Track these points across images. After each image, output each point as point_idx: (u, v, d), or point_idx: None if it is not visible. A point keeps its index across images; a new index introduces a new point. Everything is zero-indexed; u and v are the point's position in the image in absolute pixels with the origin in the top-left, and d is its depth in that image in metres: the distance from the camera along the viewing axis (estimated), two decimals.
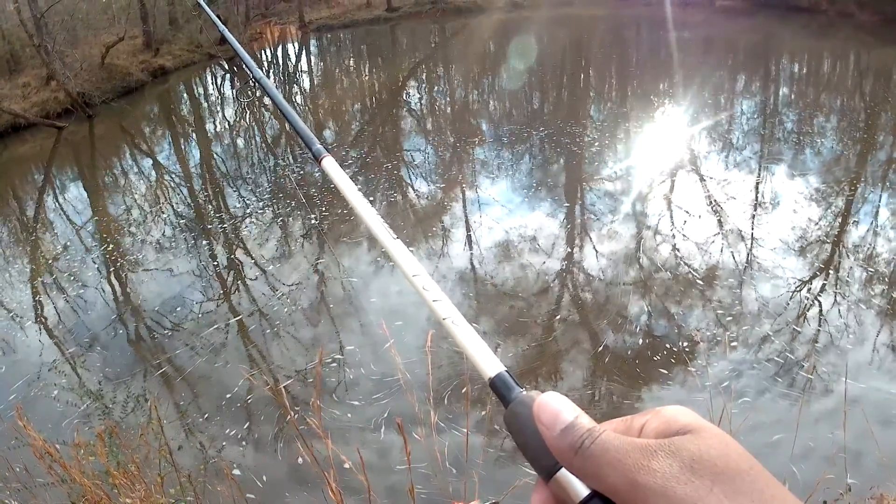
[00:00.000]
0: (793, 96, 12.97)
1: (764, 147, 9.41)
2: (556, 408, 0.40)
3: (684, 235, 6.66)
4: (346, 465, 2.42)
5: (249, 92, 17.51)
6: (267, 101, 15.41)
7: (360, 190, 0.63)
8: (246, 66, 0.88)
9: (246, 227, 8.08)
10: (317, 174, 9.52)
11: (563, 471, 0.38)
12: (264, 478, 3.93)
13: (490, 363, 0.45)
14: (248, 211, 8.60)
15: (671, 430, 0.37)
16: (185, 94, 19.41)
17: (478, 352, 0.46)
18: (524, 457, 0.41)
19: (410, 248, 0.55)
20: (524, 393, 0.43)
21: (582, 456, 0.37)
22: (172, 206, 9.39)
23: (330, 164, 0.67)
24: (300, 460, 3.89)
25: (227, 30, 0.99)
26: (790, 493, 0.34)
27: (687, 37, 19.46)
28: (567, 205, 7.72)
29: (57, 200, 10.66)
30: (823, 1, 20.09)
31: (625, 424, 0.40)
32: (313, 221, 7.92)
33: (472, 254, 6.73)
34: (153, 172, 11.49)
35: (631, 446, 0.36)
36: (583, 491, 0.38)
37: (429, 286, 0.51)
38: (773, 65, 15.97)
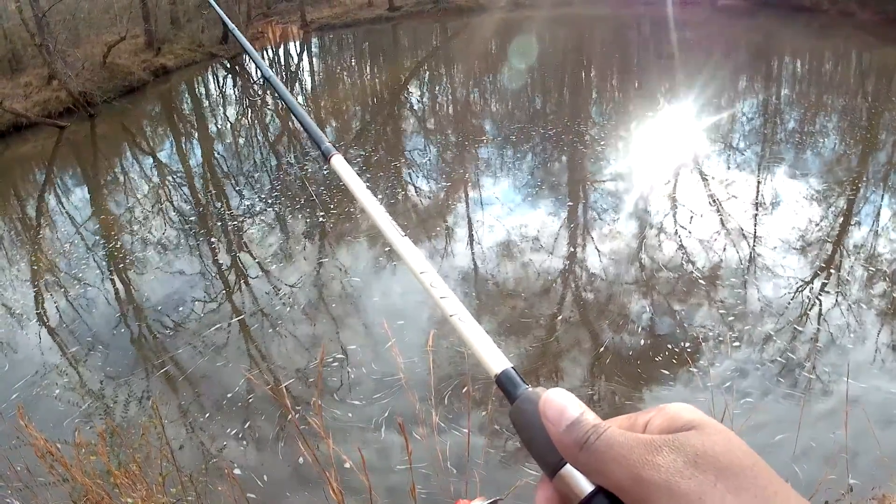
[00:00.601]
0: (794, 96, 12.95)
1: (766, 147, 9.40)
2: (561, 403, 0.40)
3: (686, 234, 6.66)
4: (347, 465, 2.42)
5: (251, 91, 17.52)
6: (270, 100, 15.44)
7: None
8: (256, 64, 0.88)
9: (248, 226, 8.09)
10: (319, 173, 9.53)
11: (568, 467, 0.38)
12: (265, 477, 3.93)
13: (496, 360, 0.45)
14: (250, 210, 8.60)
15: (675, 427, 0.37)
16: (186, 94, 19.43)
17: (484, 348, 0.46)
18: (529, 452, 0.41)
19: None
20: (530, 389, 0.43)
21: (587, 451, 0.37)
22: (174, 206, 9.40)
23: (339, 162, 0.68)
24: (301, 460, 3.89)
25: (235, 28, 0.99)
26: (793, 489, 0.34)
27: (688, 36, 19.43)
28: (570, 203, 7.71)
29: (59, 200, 10.67)
30: (825, 0, 20.06)
31: (629, 421, 0.40)
32: (315, 220, 7.92)
33: (474, 253, 6.73)
34: (155, 172, 11.50)
35: (635, 442, 0.36)
36: (587, 487, 0.38)
37: (436, 283, 0.51)
38: (775, 64, 15.95)
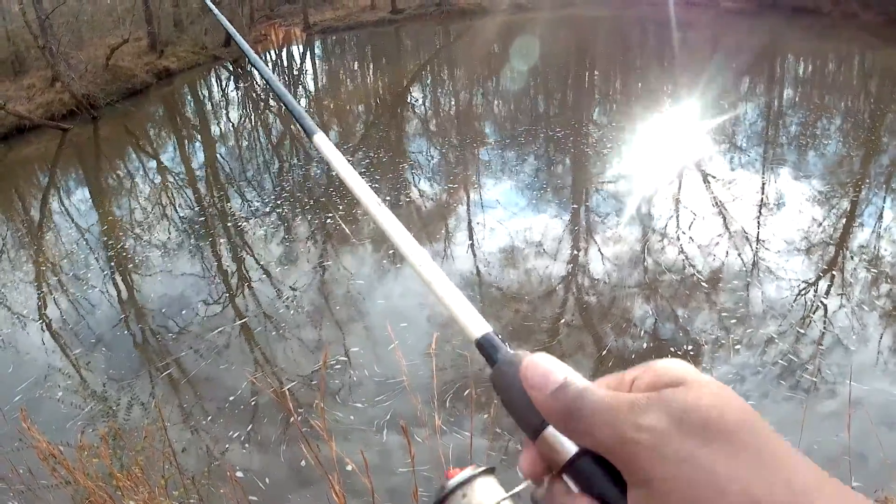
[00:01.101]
0: (798, 98, 12.94)
1: (769, 149, 9.39)
2: (546, 368, 0.38)
3: (690, 238, 6.65)
4: (349, 467, 2.42)
5: (253, 94, 17.55)
6: (273, 102, 15.46)
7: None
8: (237, 43, 0.89)
9: (251, 228, 8.10)
10: (322, 176, 9.54)
11: (550, 429, 0.38)
12: (268, 480, 3.93)
13: (476, 324, 0.44)
14: (252, 212, 8.61)
15: (662, 383, 0.36)
16: (189, 96, 19.46)
17: (464, 313, 0.45)
18: (510, 415, 0.40)
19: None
20: (511, 352, 0.42)
21: (573, 416, 0.36)
22: (177, 208, 9.42)
23: (321, 139, 0.68)
24: (303, 462, 3.89)
25: (230, 24, 0.99)
26: (792, 448, 0.32)
27: (692, 38, 19.43)
28: (574, 206, 7.71)
29: (62, 202, 10.69)
30: (828, 2, 20.04)
31: (616, 380, 0.39)
32: (318, 223, 7.93)
33: (476, 256, 6.72)
34: (158, 174, 11.52)
35: (620, 402, 0.35)
36: (571, 448, 0.37)
37: (414, 250, 0.51)
38: (779, 66, 15.93)
